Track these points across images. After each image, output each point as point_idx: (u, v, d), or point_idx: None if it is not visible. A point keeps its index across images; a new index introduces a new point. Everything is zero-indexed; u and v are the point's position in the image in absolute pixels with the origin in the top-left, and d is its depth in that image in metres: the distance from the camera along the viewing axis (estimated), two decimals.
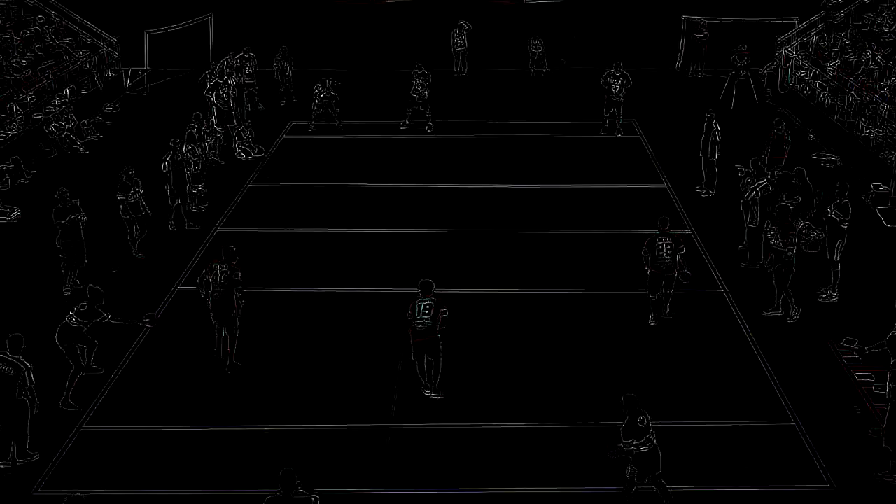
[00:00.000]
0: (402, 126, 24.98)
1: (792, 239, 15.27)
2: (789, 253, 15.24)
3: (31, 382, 12.09)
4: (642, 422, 11.01)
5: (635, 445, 11.01)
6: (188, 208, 19.27)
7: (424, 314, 13.37)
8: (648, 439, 11.03)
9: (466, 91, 28.77)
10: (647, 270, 15.45)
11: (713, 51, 29.38)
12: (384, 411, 13.33)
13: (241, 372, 14.34)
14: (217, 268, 14.20)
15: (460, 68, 30.16)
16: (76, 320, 13.39)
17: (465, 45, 29.90)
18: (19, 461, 12.16)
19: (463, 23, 29.85)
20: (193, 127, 20.75)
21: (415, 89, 24.53)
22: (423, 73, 24.52)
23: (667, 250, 15.24)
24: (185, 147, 19.44)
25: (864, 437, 12.70)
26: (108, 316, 13.53)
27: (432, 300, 13.47)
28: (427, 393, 13.74)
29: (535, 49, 30.24)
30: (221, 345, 14.43)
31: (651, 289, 15.53)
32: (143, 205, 17.81)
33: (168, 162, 18.64)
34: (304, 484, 10.20)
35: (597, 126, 24.76)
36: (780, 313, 15.74)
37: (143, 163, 19.73)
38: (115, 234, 18.25)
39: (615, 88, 24.01)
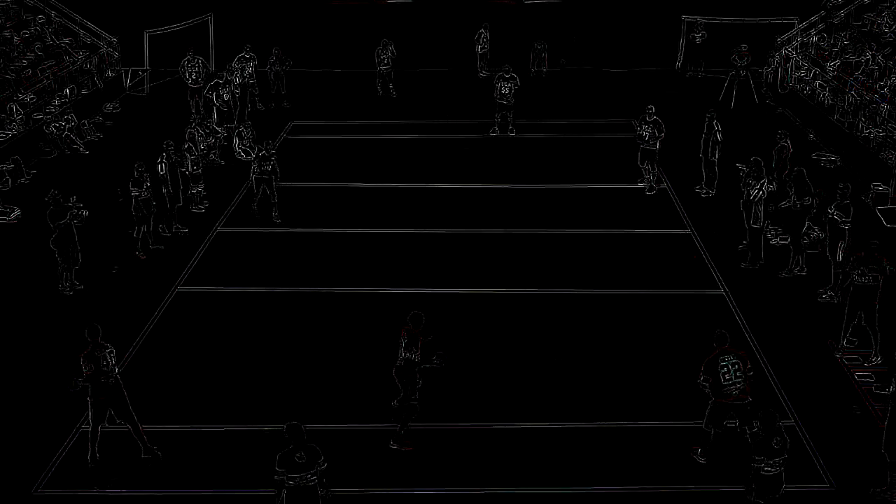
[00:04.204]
0: (493, 132, 24.71)
1: (864, 269, 14.21)
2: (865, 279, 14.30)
3: None
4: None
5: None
6: (174, 211, 19.04)
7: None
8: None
9: (466, 91, 28.75)
10: (709, 400, 12.05)
11: (713, 51, 29.37)
12: (384, 411, 13.31)
13: (241, 372, 14.35)
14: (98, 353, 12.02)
15: (483, 70, 30.08)
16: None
17: (487, 48, 29.75)
18: None
19: (483, 30, 29.80)
20: (192, 126, 20.73)
21: (502, 93, 24.27)
22: (511, 77, 24.28)
23: (735, 374, 11.85)
24: (184, 146, 19.42)
25: (864, 437, 12.70)
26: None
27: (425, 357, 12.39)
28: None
29: (540, 53, 30.18)
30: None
31: (714, 422, 12.12)
32: (153, 201, 17.82)
33: (164, 164, 18.56)
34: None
35: (596, 126, 24.73)
36: (856, 341, 14.81)
37: (144, 163, 19.67)
38: (115, 234, 18.26)
39: (646, 135, 20.76)
